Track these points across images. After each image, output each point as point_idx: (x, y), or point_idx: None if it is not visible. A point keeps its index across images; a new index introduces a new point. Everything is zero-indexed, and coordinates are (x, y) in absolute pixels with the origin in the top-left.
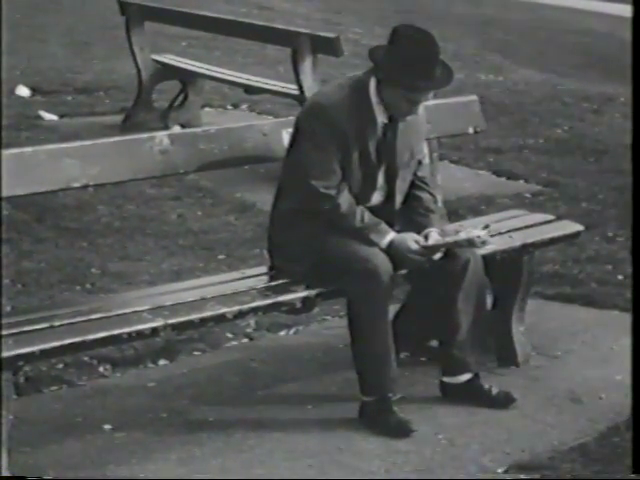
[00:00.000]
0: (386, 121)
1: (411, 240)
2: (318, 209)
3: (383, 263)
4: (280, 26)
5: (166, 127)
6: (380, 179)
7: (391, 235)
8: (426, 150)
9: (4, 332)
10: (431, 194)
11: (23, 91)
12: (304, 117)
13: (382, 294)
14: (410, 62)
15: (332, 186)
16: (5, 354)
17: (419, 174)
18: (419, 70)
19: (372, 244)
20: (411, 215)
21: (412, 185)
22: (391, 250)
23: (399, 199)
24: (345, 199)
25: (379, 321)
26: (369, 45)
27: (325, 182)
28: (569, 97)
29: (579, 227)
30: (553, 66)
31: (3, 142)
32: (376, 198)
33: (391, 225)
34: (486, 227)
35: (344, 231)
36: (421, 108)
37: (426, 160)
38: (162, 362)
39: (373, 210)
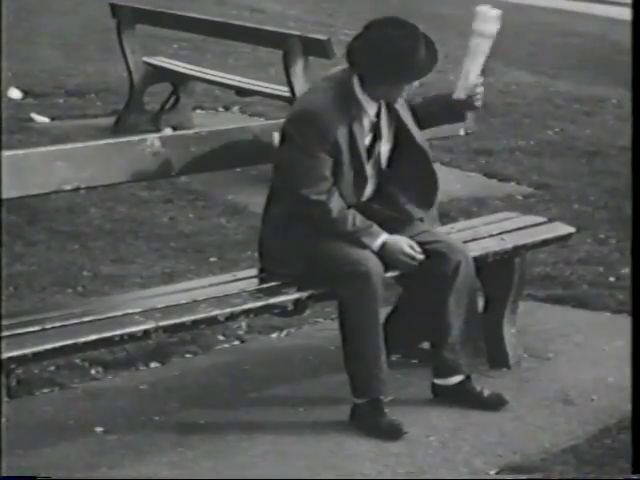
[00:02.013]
0: (374, 114)
1: (404, 243)
2: (309, 215)
3: (374, 265)
4: (271, 28)
5: (158, 129)
6: (368, 172)
7: (383, 237)
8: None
9: None
10: None
11: (15, 93)
12: (292, 125)
13: (373, 296)
14: (392, 58)
15: (323, 192)
16: None
17: None
18: (403, 63)
19: (364, 247)
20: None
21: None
22: (383, 252)
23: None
24: (336, 204)
25: (370, 323)
26: None
27: (316, 189)
28: (560, 99)
29: (571, 229)
30: (544, 68)
31: None
32: (368, 191)
33: (387, 218)
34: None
35: (337, 234)
36: None
37: None
38: (154, 364)
39: (367, 205)
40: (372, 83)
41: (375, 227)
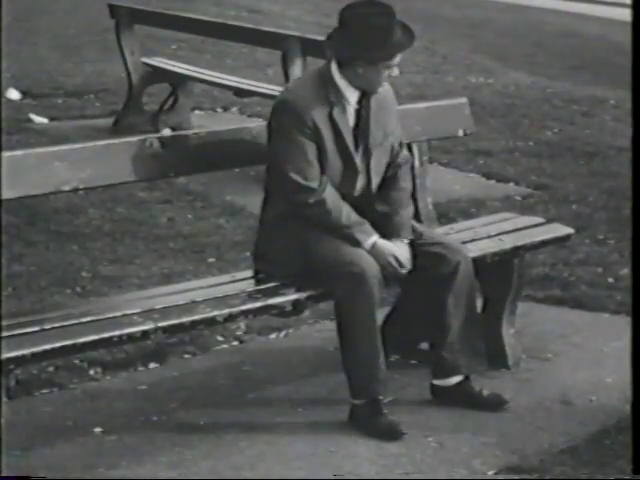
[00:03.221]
0: (357, 102)
1: (395, 247)
2: (303, 204)
3: (370, 266)
4: (270, 29)
5: (156, 130)
6: (358, 162)
7: (375, 236)
8: (400, 131)
9: None
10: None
11: (13, 94)
12: (273, 117)
13: (369, 296)
14: (368, 36)
15: (312, 178)
16: None
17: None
18: (377, 40)
19: (357, 243)
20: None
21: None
22: (373, 251)
23: (375, 181)
24: (330, 194)
25: (367, 323)
26: None
27: (304, 174)
28: (559, 100)
29: (569, 230)
30: (543, 69)
31: None
32: (360, 184)
33: (373, 213)
34: None
35: (330, 227)
36: (388, 86)
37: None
38: (152, 365)
39: (356, 200)
40: (349, 65)
41: (368, 225)
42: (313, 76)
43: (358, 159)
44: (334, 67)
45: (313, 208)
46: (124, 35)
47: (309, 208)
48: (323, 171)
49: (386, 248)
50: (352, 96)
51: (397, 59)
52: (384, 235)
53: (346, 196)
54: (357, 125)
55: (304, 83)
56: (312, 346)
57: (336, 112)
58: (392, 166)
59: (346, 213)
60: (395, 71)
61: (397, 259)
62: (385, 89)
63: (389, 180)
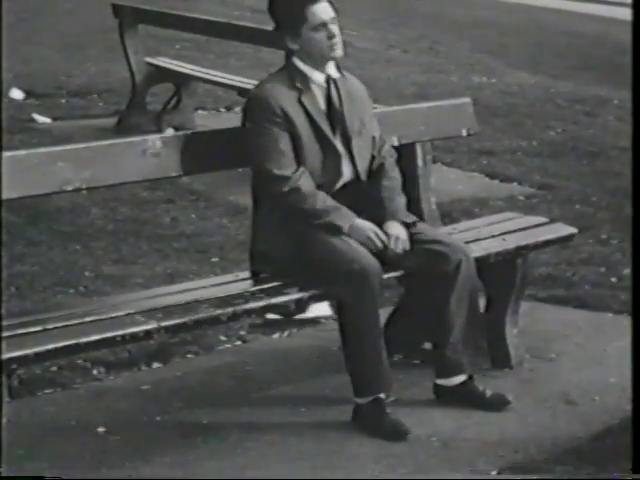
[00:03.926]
0: (325, 85)
1: (374, 227)
2: (279, 194)
3: (369, 263)
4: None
5: (159, 130)
6: (338, 146)
7: (353, 219)
8: (378, 126)
9: None
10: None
11: (16, 94)
12: (244, 114)
13: (370, 294)
14: (280, 12)
15: (286, 167)
16: None
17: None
18: (286, 9)
19: (337, 229)
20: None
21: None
22: (352, 231)
23: (362, 166)
24: (306, 182)
25: (369, 322)
26: (363, 47)
27: (278, 164)
28: (562, 99)
29: (573, 230)
30: (546, 68)
31: None
32: (347, 170)
33: (366, 201)
34: None
35: (307, 215)
36: (360, 83)
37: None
38: (156, 365)
39: (348, 189)
40: (298, 36)
41: (345, 209)
42: (281, 70)
43: (338, 142)
44: (296, 59)
45: (288, 196)
46: (128, 35)
47: (285, 197)
48: (303, 160)
49: (364, 225)
50: (318, 77)
51: (324, 16)
52: (379, 222)
53: (335, 184)
54: (329, 110)
55: (272, 77)
56: (315, 345)
57: (305, 97)
58: (377, 158)
59: (321, 198)
60: (332, 30)
61: (377, 234)
62: (355, 84)
63: (378, 171)
